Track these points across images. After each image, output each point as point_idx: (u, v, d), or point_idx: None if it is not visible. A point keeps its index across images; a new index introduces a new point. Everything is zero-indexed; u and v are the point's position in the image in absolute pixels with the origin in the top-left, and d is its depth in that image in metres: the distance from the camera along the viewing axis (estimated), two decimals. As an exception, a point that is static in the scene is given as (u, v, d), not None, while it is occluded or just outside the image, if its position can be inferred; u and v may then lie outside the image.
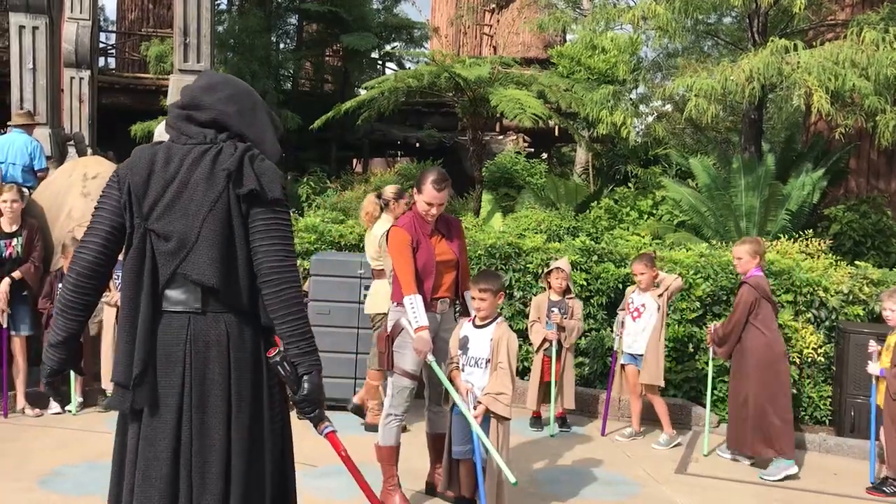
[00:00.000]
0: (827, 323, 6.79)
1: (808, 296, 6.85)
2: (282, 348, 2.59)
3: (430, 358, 4.19)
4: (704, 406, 6.11)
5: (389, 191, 6.15)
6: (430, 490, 4.70)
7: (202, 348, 2.55)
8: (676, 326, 6.75)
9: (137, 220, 2.59)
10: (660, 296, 6.07)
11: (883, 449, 5.27)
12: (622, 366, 6.26)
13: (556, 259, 6.65)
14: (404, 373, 4.39)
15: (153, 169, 2.61)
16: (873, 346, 5.46)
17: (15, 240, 6.24)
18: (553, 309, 6.22)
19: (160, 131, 11.39)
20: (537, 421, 6.32)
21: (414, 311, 4.20)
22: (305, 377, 2.56)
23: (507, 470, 3.80)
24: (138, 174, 2.61)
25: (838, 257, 8.13)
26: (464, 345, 4.27)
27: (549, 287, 6.33)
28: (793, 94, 8.98)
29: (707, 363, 6.14)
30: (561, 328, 6.17)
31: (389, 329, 4.44)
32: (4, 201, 6.25)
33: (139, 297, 2.57)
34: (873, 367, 5.37)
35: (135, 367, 2.54)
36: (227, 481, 2.56)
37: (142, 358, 2.54)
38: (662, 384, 6.09)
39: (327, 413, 2.71)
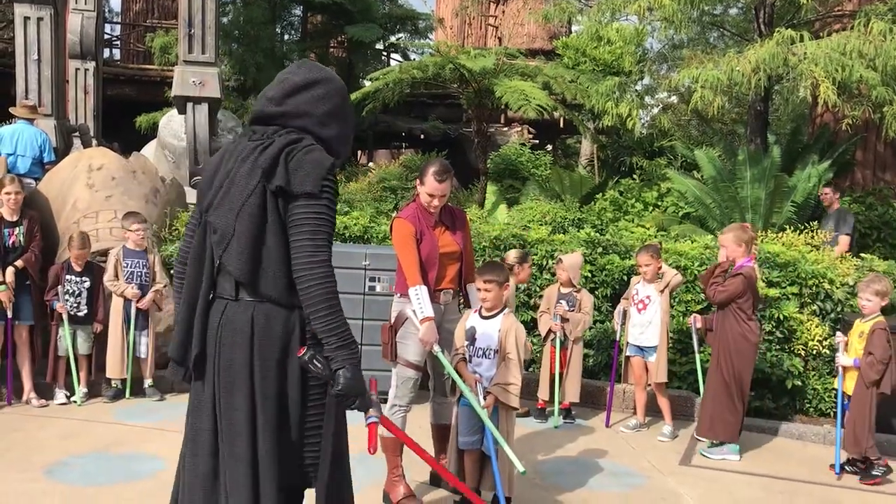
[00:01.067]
0: (832, 315, 6.78)
1: (814, 288, 6.83)
2: (310, 347, 2.65)
3: (437, 348, 4.19)
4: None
5: (512, 256, 6.20)
6: (435, 481, 4.72)
7: (229, 334, 2.66)
8: (681, 318, 6.74)
9: (203, 212, 2.78)
10: (661, 290, 6.06)
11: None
12: (627, 357, 6.26)
13: (569, 252, 6.66)
14: (408, 363, 4.39)
15: (220, 165, 2.81)
16: (840, 336, 5.56)
17: (17, 229, 6.26)
18: (560, 301, 6.23)
19: (165, 122, 11.42)
20: (541, 412, 6.33)
21: (419, 302, 4.20)
22: (339, 372, 2.59)
23: (516, 459, 3.81)
24: (208, 170, 2.85)
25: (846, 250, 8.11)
26: (471, 336, 4.27)
27: (557, 278, 6.36)
28: (799, 86, 8.94)
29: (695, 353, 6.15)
30: (565, 320, 6.17)
31: (393, 320, 4.44)
32: (8, 193, 6.27)
33: (200, 282, 2.74)
34: (845, 360, 5.45)
35: (193, 346, 2.72)
36: (254, 466, 2.62)
37: (198, 338, 2.71)
38: (665, 380, 6.10)
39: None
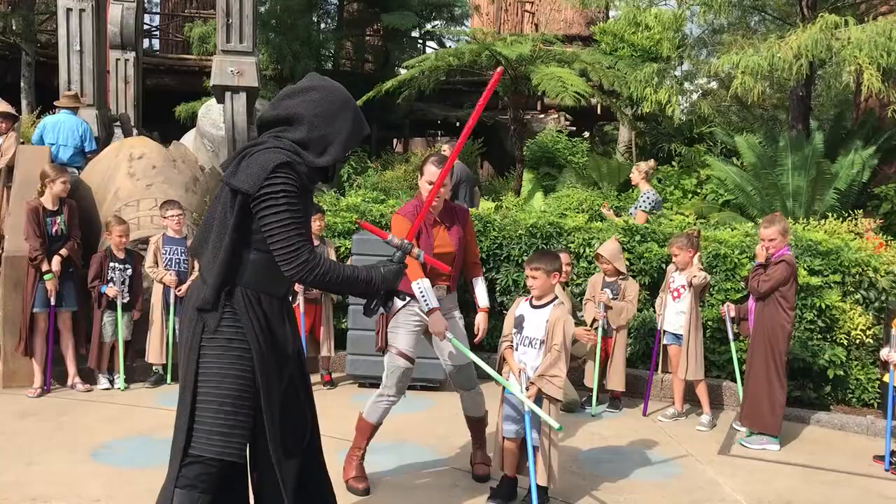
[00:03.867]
0: (876, 304, 6.65)
1: (857, 276, 6.71)
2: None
3: (449, 335, 4.23)
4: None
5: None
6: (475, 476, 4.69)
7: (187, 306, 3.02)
8: (721, 307, 6.67)
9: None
10: (687, 284, 6.01)
11: None
12: (664, 346, 6.21)
13: (604, 242, 6.62)
14: (399, 352, 4.40)
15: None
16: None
17: (58, 217, 6.37)
18: (604, 289, 6.21)
19: (204, 112, 11.53)
20: (586, 401, 6.30)
21: (423, 295, 4.19)
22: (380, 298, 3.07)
23: (550, 418, 3.87)
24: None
25: (889, 237, 7.94)
26: (519, 324, 4.26)
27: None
28: (842, 72, 8.77)
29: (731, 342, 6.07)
30: (609, 308, 6.14)
31: None
32: (64, 182, 6.40)
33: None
34: (892, 354, 5.32)
35: None
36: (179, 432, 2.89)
37: None
38: (701, 377, 6.02)
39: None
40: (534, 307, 4.26)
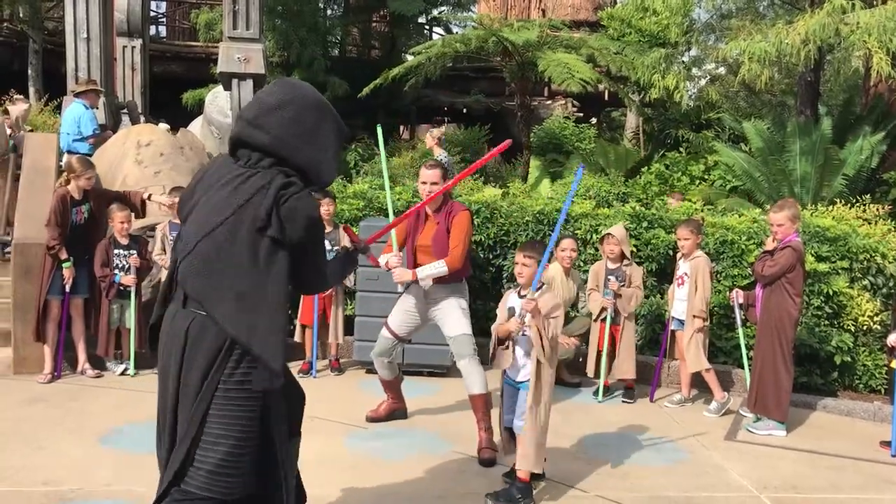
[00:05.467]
0: (884, 290, 6.65)
1: (865, 262, 6.70)
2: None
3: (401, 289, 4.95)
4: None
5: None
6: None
7: (169, 340, 2.84)
8: (728, 293, 6.67)
9: (182, 221, 3.00)
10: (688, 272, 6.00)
11: None
12: (672, 332, 6.21)
13: (613, 226, 6.60)
14: (387, 326, 5.05)
15: (202, 178, 2.99)
16: None
17: (83, 206, 6.40)
18: (610, 277, 6.18)
19: (211, 99, 11.54)
20: (606, 391, 6.28)
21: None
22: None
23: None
24: (193, 180, 3.06)
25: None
26: (510, 316, 4.27)
27: (605, 255, 6.29)
28: (851, 56, 8.72)
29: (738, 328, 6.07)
30: (618, 296, 6.13)
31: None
32: (89, 178, 6.42)
33: (168, 284, 2.99)
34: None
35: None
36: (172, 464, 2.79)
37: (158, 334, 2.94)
38: (704, 367, 6.00)
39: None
40: (521, 297, 4.25)
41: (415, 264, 4.91)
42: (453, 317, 4.82)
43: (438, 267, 4.74)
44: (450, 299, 4.85)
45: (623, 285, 6.17)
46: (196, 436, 2.74)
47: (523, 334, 4.13)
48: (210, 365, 2.74)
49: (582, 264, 7.11)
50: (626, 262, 6.27)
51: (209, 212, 2.82)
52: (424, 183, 4.85)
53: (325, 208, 6.50)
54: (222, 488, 2.76)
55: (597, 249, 7.10)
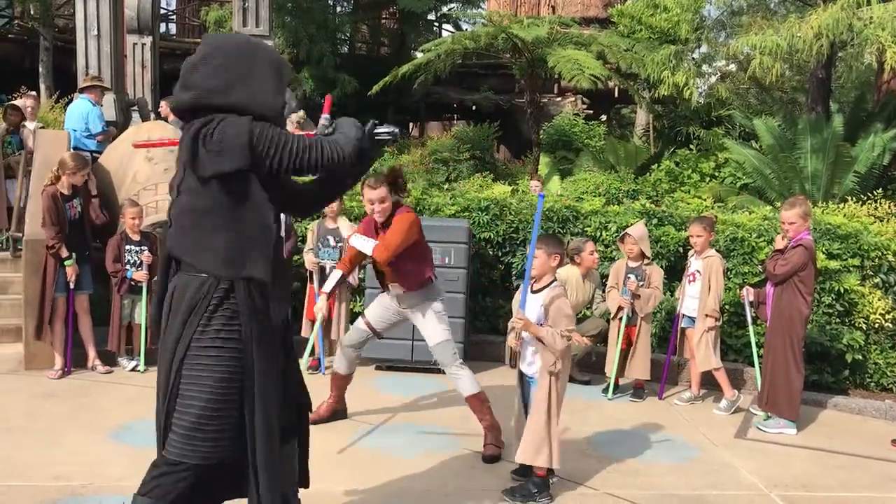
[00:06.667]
0: (896, 288, 6.61)
1: (876, 260, 6.66)
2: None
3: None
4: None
5: (570, 246, 6.36)
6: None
7: (169, 303, 2.92)
8: (738, 290, 6.64)
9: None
10: (701, 270, 5.97)
11: None
12: (682, 329, 6.19)
13: (631, 224, 6.58)
14: (363, 318, 5.01)
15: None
16: None
17: (75, 201, 6.42)
18: (629, 276, 6.16)
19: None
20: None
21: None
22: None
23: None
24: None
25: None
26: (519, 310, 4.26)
27: (625, 253, 6.27)
28: (864, 52, 8.67)
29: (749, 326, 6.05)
30: (636, 296, 6.11)
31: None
32: (83, 175, 6.45)
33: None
34: None
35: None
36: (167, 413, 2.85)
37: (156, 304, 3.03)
38: (715, 366, 5.98)
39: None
40: (533, 292, 4.25)
41: (380, 279, 4.87)
42: (430, 325, 4.78)
43: (367, 245, 4.70)
44: (423, 305, 4.79)
45: (642, 285, 6.13)
46: (171, 397, 2.79)
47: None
48: (185, 319, 2.80)
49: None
50: (646, 261, 6.23)
51: (173, 183, 2.98)
52: (371, 202, 4.59)
53: (333, 203, 6.49)
54: (198, 452, 2.76)
55: (607, 246, 7.09)
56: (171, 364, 2.79)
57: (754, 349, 5.93)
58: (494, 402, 4.84)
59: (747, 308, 5.94)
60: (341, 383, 5.21)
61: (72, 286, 6.25)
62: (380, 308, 4.98)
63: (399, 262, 4.65)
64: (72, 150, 7.48)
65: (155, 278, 6.64)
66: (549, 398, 4.06)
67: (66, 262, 6.19)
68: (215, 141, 2.75)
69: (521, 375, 4.28)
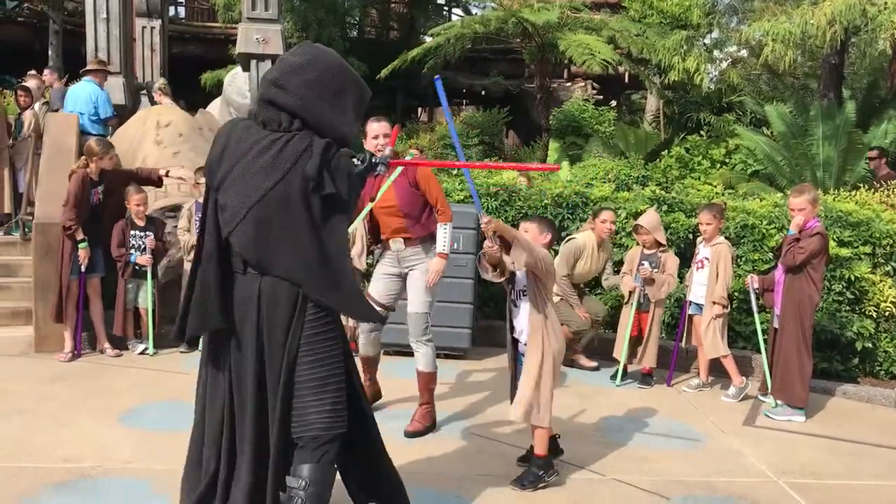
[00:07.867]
0: (907, 276, 6.57)
1: (888, 248, 6.62)
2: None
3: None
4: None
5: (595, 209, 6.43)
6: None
7: (241, 306, 2.93)
8: (746, 278, 6.61)
9: (214, 189, 2.96)
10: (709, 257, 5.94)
11: None
12: (690, 316, 6.17)
13: (643, 213, 6.55)
14: (369, 296, 4.88)
15: (228, 144, 2.94)
16: None
17: (100, 187, 6.43)
18: (643, 262, 6.14)
19: (230, 80, 11.54)
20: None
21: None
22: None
23: None
24: (216, 147, 2.99)
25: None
26: (511, 279, 4.24)
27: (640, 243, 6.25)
28: (878, 37, 8.58)
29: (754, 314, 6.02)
30: (649, 282, 6.09)
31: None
32: (111, 159, 6.46)
33: (213, 254, 2.94)
34: None
35: (211, 319, 2.97)
36: (261, 420, 2.94)
37: (218, 311, 2.95)
38: (722, 353, 5.96)
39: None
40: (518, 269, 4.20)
41: (379, 230, 4.85)
42: (418, 290, 4.77)
43: (446, 231, 4.74)
44: (422, 262, 4.79)
45: (657, 271, 6.11)
46: (297, 384, 2.89)
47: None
48: (291, 316, 2.89)
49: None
50: (661, 248, 6.21)
51: (254, 178, 2.84)
52: (376, 137, 4.57)
53: None
54: (343, 421, 2.96)
55: (615, 233, 7.06)
56: (284, 357, 2.89)
57: (760, 337, 5.91)
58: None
59: (752, 295, 5.91)
60: (373, 363, 5.21)
61: (83, 269, 6.28)
62: (381, 281, 4.91)
63: (413, 210, 4.73)
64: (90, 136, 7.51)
65: (161, 263, 6.68)
66: (541, 360, 4.01)
67: (80, 245, 6.21)
68: (342, 168, 2.88)
69: (515, 343, 4.23)
